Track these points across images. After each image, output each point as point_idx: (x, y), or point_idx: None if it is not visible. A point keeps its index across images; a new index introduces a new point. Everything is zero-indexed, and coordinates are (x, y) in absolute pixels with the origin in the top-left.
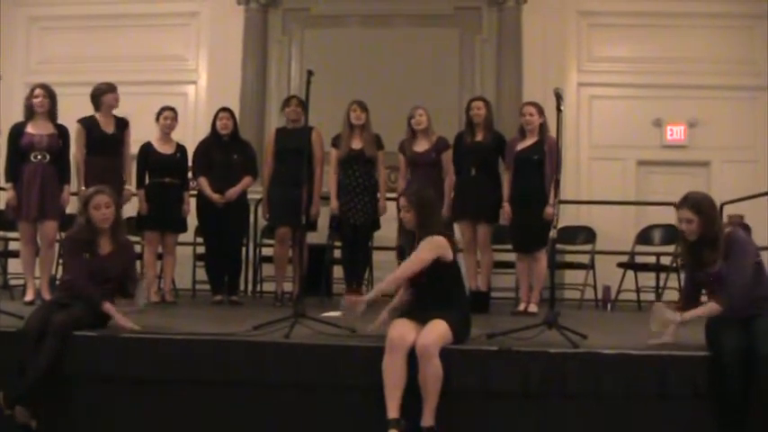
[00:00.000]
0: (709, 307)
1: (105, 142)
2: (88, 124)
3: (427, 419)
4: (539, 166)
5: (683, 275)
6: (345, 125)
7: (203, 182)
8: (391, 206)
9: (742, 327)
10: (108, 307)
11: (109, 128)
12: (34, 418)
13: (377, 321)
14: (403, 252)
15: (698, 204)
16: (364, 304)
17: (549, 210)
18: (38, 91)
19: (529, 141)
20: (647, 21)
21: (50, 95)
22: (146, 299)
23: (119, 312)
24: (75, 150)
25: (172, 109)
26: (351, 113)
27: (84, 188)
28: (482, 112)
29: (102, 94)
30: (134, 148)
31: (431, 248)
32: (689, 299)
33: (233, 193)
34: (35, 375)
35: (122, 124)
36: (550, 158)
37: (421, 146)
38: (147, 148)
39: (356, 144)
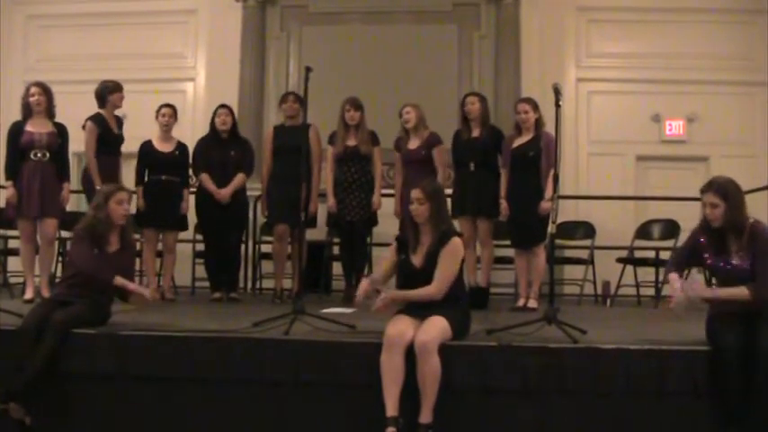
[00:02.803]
0: (739, 290)
1: (113, 141)
2: (100, 122)
3: (425, 416)
4: (535, 162)
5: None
6: (340, 123)
7: (205, 178)
8: (387, 202)
9: (742, 322)
10: (120, 280)
11: (115, 127)
12: (28, 415)
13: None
14: (404, 246)
15: (724, 189)
16: (385, 301)
17: (544, 204)
18: (33, 89)
19: (525, 138)
20: (646, 16)
21: (46, 93)
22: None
23: (134, 285)
24: (85, 148)
25: (170, 106)
26: (345, 113)
27: (99, 186)
28: (475, 106)
29: (110, 93)
30: (133, 145)
31: (457, 255)
32: (685, 263)
33: (226, 193)
34: (32, 372)
35: (121, 123)
36: (547, 154)
37: (413, 143)
38: (146, 147)
39: (351, 141)
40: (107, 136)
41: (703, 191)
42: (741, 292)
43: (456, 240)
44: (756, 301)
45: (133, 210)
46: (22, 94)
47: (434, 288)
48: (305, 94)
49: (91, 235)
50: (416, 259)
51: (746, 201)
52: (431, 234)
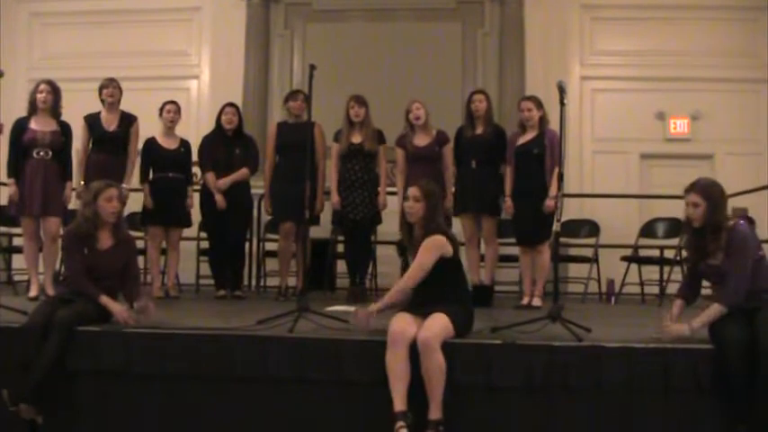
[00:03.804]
0: (713, 310)
1: (105, 139)
2: (91, 121)
3: (434, 412)
4: (539, 160)
5: (686, 268)
6: (345, 120)
7: (210, 178)
8: (391, 200)
9: (745, 320)
10: (105, 300)
11: (111, 125)
12: (40, 415)
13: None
14: (403, 247)
15: (707, 189)
16: (373, 316)
17: (548, 202)
18: (42, 86)
19: (529, 135)
20: (650, 14)
21: (54, 91)
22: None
23: (117, 305)
24: (78, 146)
25: (174, 103)
26: (349, 110)
27: (83, 183)
28: (483, 105)
29: (100, 91)
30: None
31: (430, 251)
32: (690, 287)
33: (224, 182)
34: (39, 372)
35: (128, 121)
36: (551, 152)
37: (422, 140)
38: (150, 143)
39: (356, 139)
40: (100, 134)
41: (687, 191)
42: (715, 310)
43: (436, 237)
44: (731, 308)
45: (137, 208)
46: (29, 91)
47: (403, 279)
48: (309, 91)
49: (81, 234)
50: (412, 259)
51: (749, 198)
52: (422, 233)
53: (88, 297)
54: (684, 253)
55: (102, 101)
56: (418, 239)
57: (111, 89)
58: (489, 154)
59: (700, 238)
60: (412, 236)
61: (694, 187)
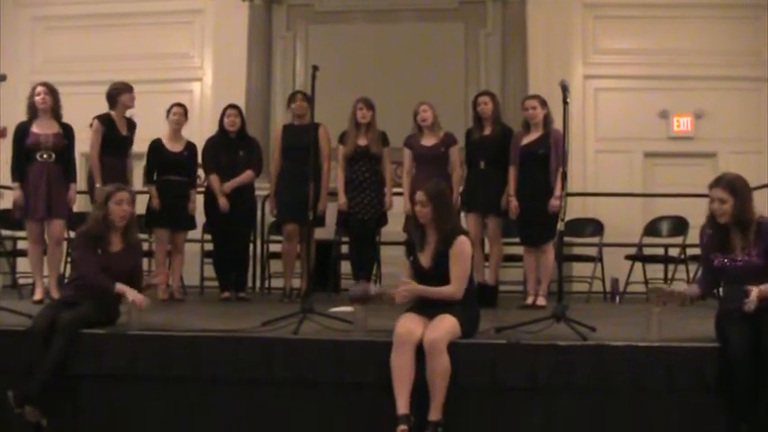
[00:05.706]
0: None
1: (119, 143)
2: (107, 122)
3: (434, 414)
4: (544, 160)
5: (692, 267)
6: (351, 122)
7: (214, 180)
8: (397, 201)
9: (750, 320)
10: (121, 287)
11: (123, 129)
12: (44, 417)
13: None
14: (412, 248)
15: (733, 184)
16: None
17: (553, 202)
18: (39, 89)
19: (534, 135)
20: (652, 12)
21: (52, 92)
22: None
23: (132, 291)
24: (90, 147)
25: (181, 105)
26: (357, 112)
27: (99, 185)
28: (489, 106)
29: (119, 94)
30: (140, 146)
31: (466, 254)
32: (710, 286)
33: (229, 186)
34: (43, 374)
35: (132, 126)
36: (555, 151)
37: (429, 140)
38: (156, 146)
39: (362, 141)
40: (113, 137)
41: (711, 186)
42: None
43: (461, 239)
44: None
45: (141, 210)
46: (27, 95)
47: (453, 288)
48: (312, 92)
49: (92, 236)
50: (424, 259)
51: (754, 197)
52: (436, 233)
53: (100, 292)
54: (690, 251)
55: (115, 102)
56: (434, 241)
57: (133, 94)
58: (498, 154)
59: (723, 234)
60: (425, 236)
61: (720, 182)
